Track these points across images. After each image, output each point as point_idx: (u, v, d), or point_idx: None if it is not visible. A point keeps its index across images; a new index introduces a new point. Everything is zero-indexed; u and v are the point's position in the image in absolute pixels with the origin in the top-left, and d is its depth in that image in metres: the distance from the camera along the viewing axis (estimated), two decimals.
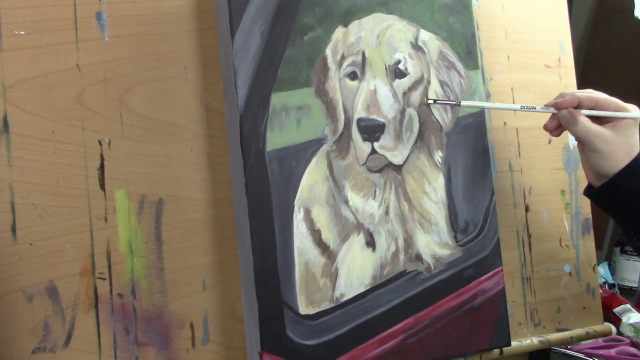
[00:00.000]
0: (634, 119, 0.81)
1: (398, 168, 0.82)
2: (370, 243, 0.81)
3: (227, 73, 0.77)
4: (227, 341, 0.77)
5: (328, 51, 0.80)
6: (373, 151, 0.81)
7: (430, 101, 0.83)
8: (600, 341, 1.07)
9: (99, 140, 0.72)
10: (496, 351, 0.88)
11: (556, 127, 0.84)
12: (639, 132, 0.82)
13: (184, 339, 0.75)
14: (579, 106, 0.82)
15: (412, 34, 0.84)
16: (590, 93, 0.82)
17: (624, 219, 0.85)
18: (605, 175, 0.82)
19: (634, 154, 0.81)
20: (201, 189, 0.77)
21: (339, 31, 0.81)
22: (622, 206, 0.82)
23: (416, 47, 0.84)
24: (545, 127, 0.85)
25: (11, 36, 0.69)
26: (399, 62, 0.83)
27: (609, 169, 0.81)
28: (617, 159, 0.80)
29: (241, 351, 0.78)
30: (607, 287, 1.37)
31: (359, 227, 0.80)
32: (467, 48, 0.88)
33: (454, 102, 0.85)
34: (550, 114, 0.84)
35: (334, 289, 0.78)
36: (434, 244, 0.84)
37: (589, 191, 0.86)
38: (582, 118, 0.81)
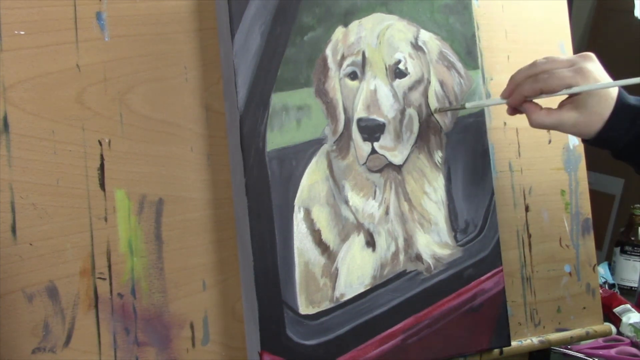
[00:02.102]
0: (577, 93, 0.78)
1: (398, 168, 0.82)
2: (370, 243, 0.81)
3: (227, 73, 0.77)
4: (227, 341, 0.77)
5: (328, 51, 0.80)
6: (373, 151, 0.81)
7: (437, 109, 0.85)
8: (600, 341, 1.07)
9: (99, 140, 0.72)
10: (496, 351, 0.88)
11: (513, 112, 0.82)
12: (606, 92, 0.79)
13: (184, 339, 0.75)
14: (526, 97, 0.79)
15: (412, 34, 0.84)
16: (533, 77, 0.78)
17: (626, 157, 0.83)
18: (587, 138, 0.81)
19: (604, 118, 0.78)
20: (201, 189, 0.77)
21: (339, 31, 0.81)
22: (619, 149, 0.81)
23: (416, 47, 0.84)
24: (508, 112, 0.82)
25: (11, 36, 0.69)
26: (399, 62, 0.83)
27: (586, 135, 0.80)
28: (588, 132, 0.79)
29: (241, 351, 0.78)
30: (607, 287, 1.37)
31: (359, 227, 0.80)
32: (467, 48, 0.88)
33: (458, 107, 0.85)
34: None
35: (334, 289, 0.78)
36: (434, 244, 0.84)
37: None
38: (535, 114, 0.79)
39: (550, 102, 0.79)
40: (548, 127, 0.80)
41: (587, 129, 0.79)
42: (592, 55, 0.79)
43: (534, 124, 0.80)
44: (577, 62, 0.78)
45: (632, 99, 0.80)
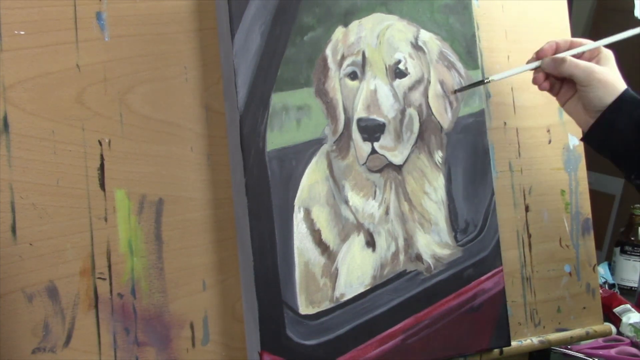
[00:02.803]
0: (602, 46, 0.86)
1: (398, 168, 0.82)
2: (370, 243, 0.81)
3: (227, 73, 0.77)
4: (227, 341, 0.77)
5: (328, 51, 0.80)
6: (373, 151, 0.81)
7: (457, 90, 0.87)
8: (600, 341, 1.07)
9: (99, 140, 0.72)
10: (496, 351, 0.88)
11: (544, 78, 0.86)
12: (618, 78, 0.85)
13: (184, 339, 0.75)
14: (557, 51, 0.85)
15: (412, 34, 0.84)
16: (562, 38, 0.86)
17: (618, 158, 0.85)
18: (598, 109, 0.83)
19: (620, 88, 0.83)
20: (201, 189, 0.77)
21: (339, 31, 0.81)
22: (615, 143, 0.83)
23: (416, 47, 0.84)
24: (534, 80, 0.87)
25: (11, 36, 0.69)
26: (399, 62, 0.83)
27: (603, 100, 0.83)
28: (609, 89, 0.83)
29: (241, 351, 0.78)
30: (607, 287, 1.37)
31: (359, 227, 0.80)
32: (467, 48, 0.88)
33: (481, 82, 0.86)
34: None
35: (334, 289, 0.78)
36: (434, 244, 0.84)
37: (584, 136, 0.87)
38: (568, 57, 0.84)
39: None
40: (577, 70, 0.83)
41: (605, 89, 0.83)
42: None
43: (567, 63, 0.83)
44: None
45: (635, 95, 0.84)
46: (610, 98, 0.82)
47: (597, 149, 0.86)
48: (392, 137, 0.82)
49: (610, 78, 0.83)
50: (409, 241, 0.83)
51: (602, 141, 0.84)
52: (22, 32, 0.70)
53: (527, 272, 0.95)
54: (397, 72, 0.83)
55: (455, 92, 0.86)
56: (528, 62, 0.87)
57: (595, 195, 1.05)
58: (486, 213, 0.87)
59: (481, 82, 0.86)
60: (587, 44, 0.85)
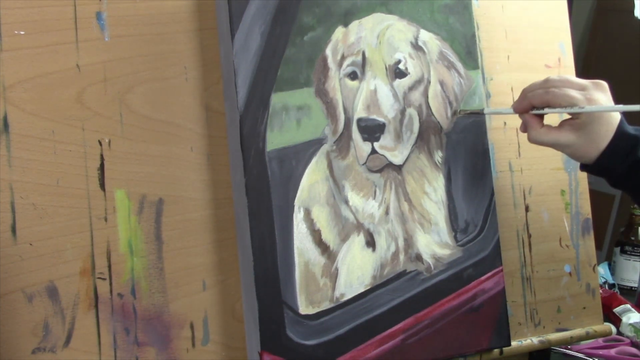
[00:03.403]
0: (577, 113, 0.78)
1: (398, 168, 0.83)
2: (370, 243, 0.81)
3: (227, 73, 0.77)
4: (227, 341, 0.77)
5: (328, 51, 0.80)
6: (373, 151, 0.81)
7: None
8: (600, 341, 1.07)
9: (99, 140, 0.72)
10: (496, 351, 0.88)
11: (525, 128, 0.83)
12: (608, 122, 0.79)
13: (184, 339, 0.75)
14: (533, 106, 0.80)
15: (412, 34, 0.84)
16: (544, 89, 0.79)
17: (623, 185, 0.83)
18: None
19: (601, 147, 0.79)
20: (201, 189, 0.77)
21: (339, 31, 0.81)
22: (615, 177, 0.82)
23: (416, 47, 0.84)
24: (520, 129, 0.84)
25: (11, 36, 0.69)
26: (399, 62, 0.83)
27: (581, 160, 0.81)
28: (585, 156, 0.80)
29: (241, 351, 0.78)
30: (607, 287, 1.37)
31: (359, 227, 0.80)
32: (467, 48, 0.88)
33: (478, 112, 0.87)
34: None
35: (334, 289, 0.78)
36: (434, 244, 0.84)
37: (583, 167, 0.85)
38: (534, 130, 0.80)
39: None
40: (545, 144, 0.81)
41: (583, 153, 0.80)
42: (605, 85, 0.80)
43: (531, 139, 0.81)
44: (589, 88, 0.79)
45: (631, 129, 0.80)
46: (588, 160, 0.80)
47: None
48: (392, 137, 0.82)
49: (584, 148, 0.79)
50: (409, 241, 0.83)
51: (605, 176, 0.83)
52: (22, 32, 0.70)
53: (527, 272, 0.95)
54: (397, 72, 0.83)
55: (456, 114, 0.86)
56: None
57: (595, 195, 1.05)
58: (486, 213, 0.87)
59: (479, 113, 0.87)
60: (565, 108, 0.78)
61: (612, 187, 0.85)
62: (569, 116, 0.80)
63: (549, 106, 0.79)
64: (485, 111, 0.87)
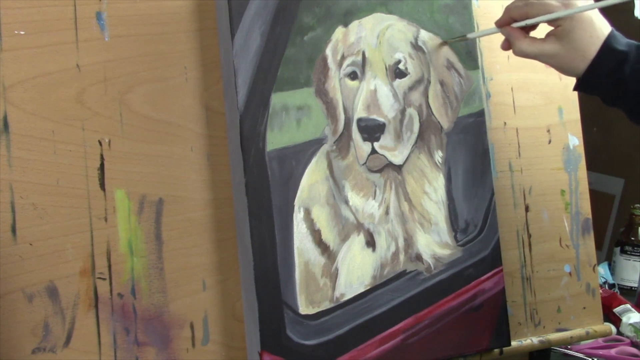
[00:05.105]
0: (556, 19, 0.77)
1: (398, 168, 0.82)
2: (370, 243, 0.81)
3: (227, 73, 0.77)
4: (227, 341, 0.77)
5: (328, 51, 0.80)
6: (373, 151, 0.81)
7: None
8: (600, 341, 1.07)
9: (99, 140, 0.72)
10: (496, 351, 0.88)
11: (508, 46, 0.83)
12: (592, 29, 0.78)
13: (184, 339, 0.75)
14: (514, 20, 0.80)
15: (412, 34, 0.84)
16: (524, 1, 0.79)
17: (613, 103, 0.82)
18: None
19: (588, 58, 0.77)
20: (201, 189, 0.77)
21: (339, 31, 0.81)
22: (605, 95, 0.80)
23: (416, 47, 0.84)
24: (501, 46, 0.84)
25: (11, 36, 0.69)
26: (399, 62, 0.83)
27: (570, 73, 0.80)
28: (571, 67, 0.79)
29: (241, 351, 0.78)
30: (607, 287, 1.37)
31: (359, 227, 0.80)
32: (467, 48, 0.88)
33: (463, 38, 0.86)
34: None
35: (334, 289, 0.78)
36: (434, 244, 0.84)
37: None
38: (518, 41, 0.80)
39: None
40: (530, 56, 0.80)
41: (570, 63, 0.79)
42: None
43: (516, 52, 0.81)
44: None
45: (621, 44, 0.78)
46: (577, 72, 0.78)
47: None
48: (392, 137, 0.82)
49: (570, 58, 0.78)
50: (409, 241, 0.83)
51: (594, 92, 0.81)
52: (22, 32, 0.70)
53: (527, 272, 0.95)
54: (397, 72, 0.83)
55: (445, 43, 0.86)
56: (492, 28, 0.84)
57: (595, 195, 1.05)
58: (486, 213, 0.87)
59: (463, 39, 0.86)
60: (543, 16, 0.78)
61: (605, 105, 0.82)
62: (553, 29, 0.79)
63: (527, 17, 0.79)
64: (469, 35, 0.87)
